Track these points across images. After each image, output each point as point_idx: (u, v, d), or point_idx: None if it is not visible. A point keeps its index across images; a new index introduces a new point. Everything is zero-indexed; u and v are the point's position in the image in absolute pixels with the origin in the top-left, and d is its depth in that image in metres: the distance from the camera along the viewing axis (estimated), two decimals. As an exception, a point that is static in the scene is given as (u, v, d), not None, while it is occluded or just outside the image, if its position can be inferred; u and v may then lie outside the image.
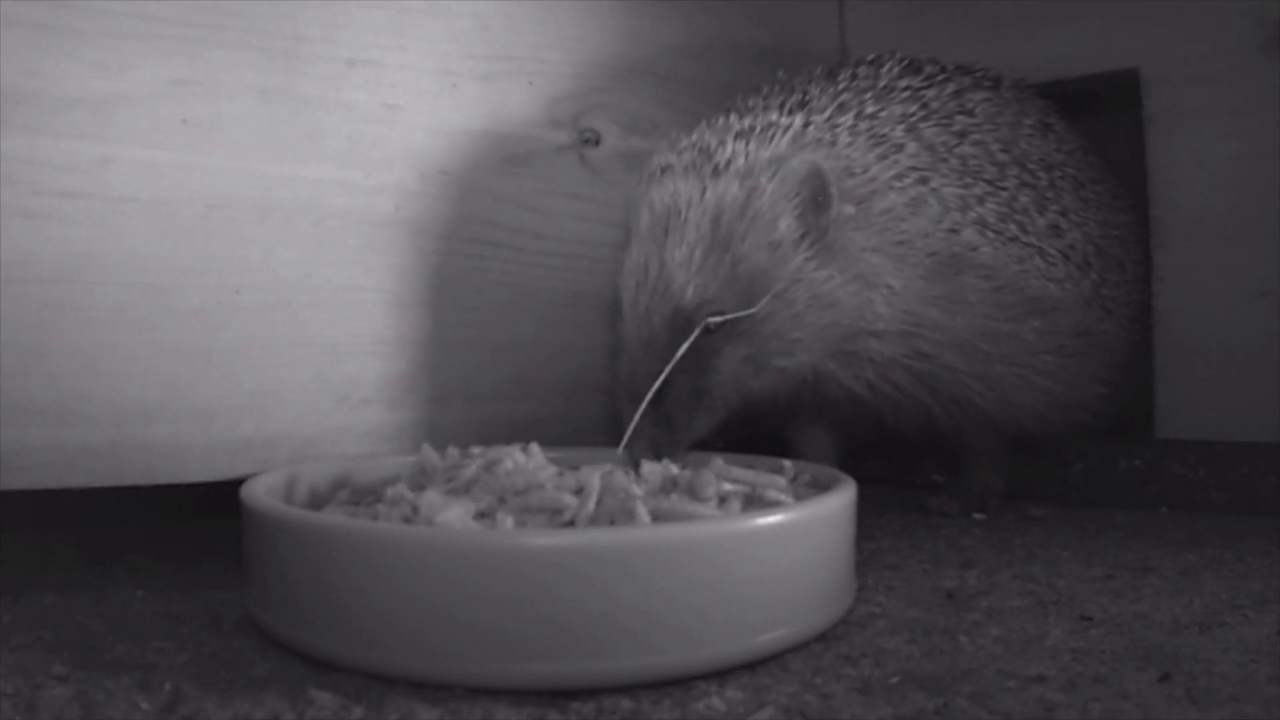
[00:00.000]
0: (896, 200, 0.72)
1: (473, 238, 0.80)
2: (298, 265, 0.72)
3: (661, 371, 0.67)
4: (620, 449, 0.67)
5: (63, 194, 0.64)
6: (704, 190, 0.70)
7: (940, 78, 0.80)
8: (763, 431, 0.82)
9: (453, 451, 0.63)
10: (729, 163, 0.71)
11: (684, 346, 0.67)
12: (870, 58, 0.81)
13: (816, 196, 0.70)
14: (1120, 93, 0.92)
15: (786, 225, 0.70)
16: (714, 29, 0.94)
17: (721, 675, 0.48)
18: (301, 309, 0.72)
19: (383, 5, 0.75)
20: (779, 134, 0.73)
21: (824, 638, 0.53)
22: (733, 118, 0.75)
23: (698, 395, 0.69)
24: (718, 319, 0.68)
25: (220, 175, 0.69)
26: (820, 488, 0.61)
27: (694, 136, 0.75)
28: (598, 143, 0.86)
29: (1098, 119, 0.97)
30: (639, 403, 0.67)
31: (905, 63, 0.81)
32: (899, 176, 0.73)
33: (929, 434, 0.81)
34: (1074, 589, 0.63)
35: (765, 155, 0.71)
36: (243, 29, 0.69)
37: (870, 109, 0.76)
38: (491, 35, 0.81)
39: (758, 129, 0.73)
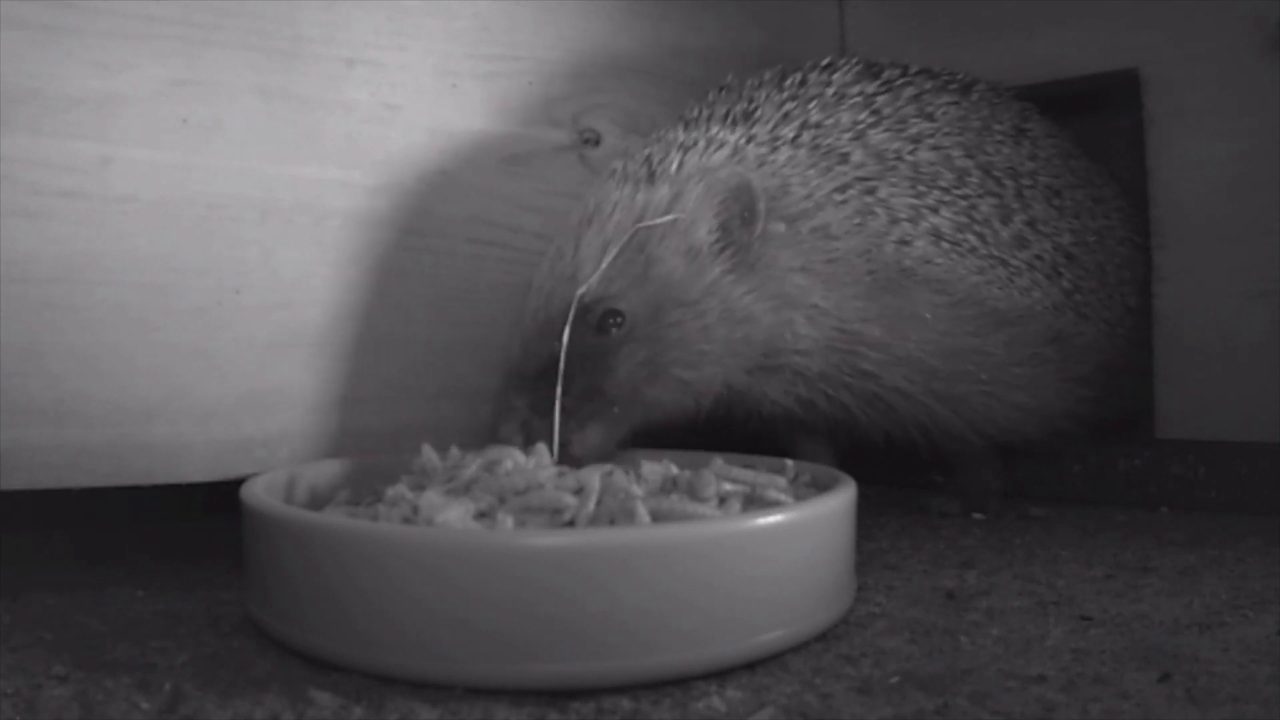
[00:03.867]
0: (834, 216, 0.71)
1: (472, 238, 0.80)
2: (298, 265, 0.72)
3: (546, 356, 0.66)
4: (494, 429, 0.66)
5: (63, 194, 0.64)
6: (631, 194, 0.69)
7: (900, 81, 0.78)
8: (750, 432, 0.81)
9: (453, 452, 0.63)
10: (663, 171, 0.70)
11: (567, 330, 0.65)
12: (825, 62, 0.79)
13: (743, 212, 0.68)
14: (1120, 93, 0.92)
15: (706, 234, 0.68)
16: (715, 29, 0.94)
17: (721, 675, 0.48)
18: (301, 309, 0.72)
19: (383, 5, 0.75)
20: (718, 148, 0.72)
21: (824, 638, 0.53)
22: (679, 130, 0.75)
23: (590, 393, 0.66)
24: (618, 317, 0.66)
25: (220, 175, 0.69)
26: (820, 488, 0.61)
27: (643, 149, 0.74)
28: (598, 143, 0.86)
29: (1098, 119, 0.97)
30: (520, 381, 0.66)
31: (861, 66, 0.79)
32: (840, 189, 0.71)
33: (917, 442, 0.80)
34: (1074, 589, 0.63)
35: (694, 164, 0.70)
36: (242, 29, 0.69)
37: (815, 118, 0.74)
38: (491, 35, 0.81)
39: (700, 142, 0.72)
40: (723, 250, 0.69)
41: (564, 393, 0.65)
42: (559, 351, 0.65)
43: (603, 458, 0.65)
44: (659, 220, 0.68)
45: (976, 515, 0.86)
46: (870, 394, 0.73)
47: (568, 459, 0.64)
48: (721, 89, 0.79)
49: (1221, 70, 0.86)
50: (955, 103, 0.79)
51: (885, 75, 0.79)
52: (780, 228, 0.69)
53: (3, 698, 0.45)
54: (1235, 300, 0.86)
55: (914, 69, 0.81)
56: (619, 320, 0.67)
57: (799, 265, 0.70)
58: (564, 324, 0.66)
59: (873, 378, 0.73)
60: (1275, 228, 0.84)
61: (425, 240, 0.77)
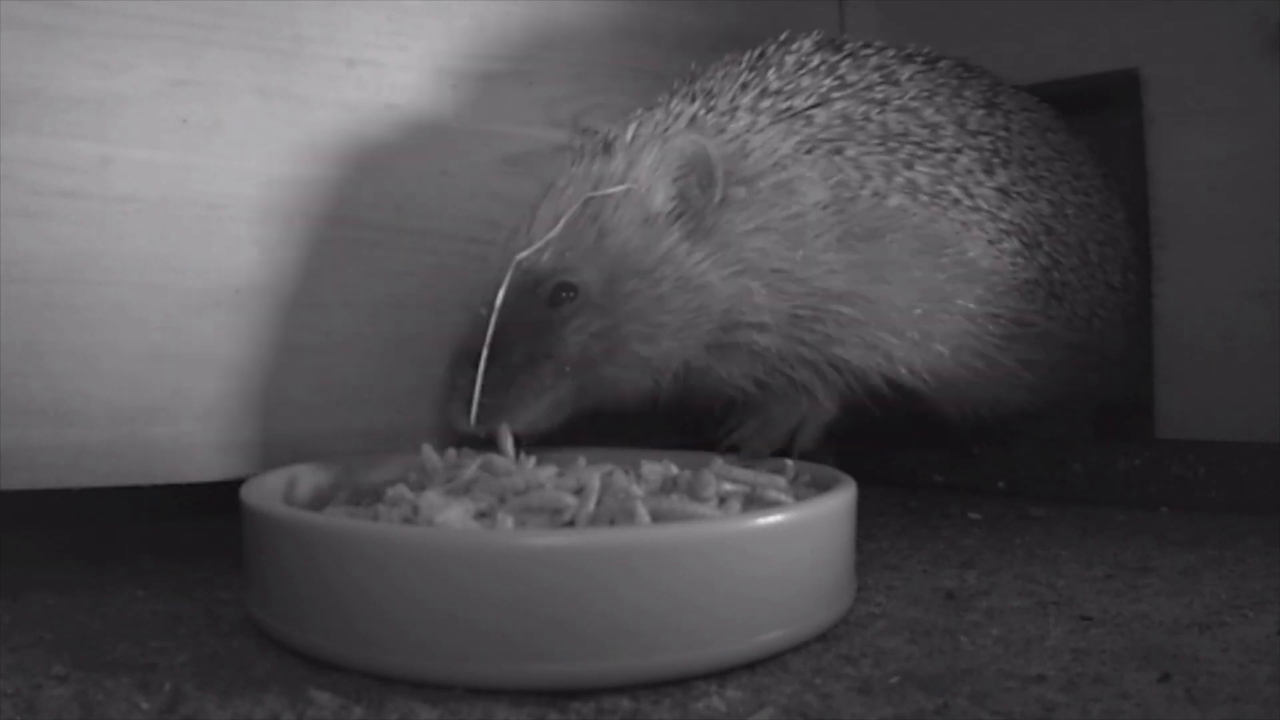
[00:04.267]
0: (798, 172, 0.69)
1: (472, 237, 0.80)
2: (298, 265, 0.72)
3: (490, 330, 0.64)
4: (441, 409, 0.65)
5: (63, 194, 0.64)
6: (590, 166, 0.68)
7: (863, 53, 0.77)
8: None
9: (452, 452, 0.63)
10: (616, 142, 0.69)
11: (501, 292, 0.64)
12: (783, 37, 0.78)
13: (701, 179, 0.67)
14: (1120, 93, 0.92)
15: (661, 202, 0.67)
16: (715, 28, 0.94)
17: (721, 675, 0.48)
18: (301, 309, 0.72)
19: (383, 5, 0.75)
20: (669, 117, 0.71)
21: (824, 638, 0.53)
22: (641, 111, 0.74)
23: (532, 362, 0.65)
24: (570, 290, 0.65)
25: (220, 175, 0.69)
26: (820, 488, 0.61)
27: (606, 129, 0.73)
28: (598, 143, 0.86)
29: (1098, 119, 0.97)
30: (465, 358, 0.65)
31: (821, 38, 0.78)
32: (805, 148, 0.70)
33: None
34: (1074, 589, 0.63)
35: (647, 133, 0.69)
36: (242, 29, 0.70)
37: (775, 85, 0.73)
38: (491, 35, 0.81)
39: (657, 115, 0.71)
40: (679, 218, 0.67)
41: (509, 363, 0.64)
42: (499, 324, 0.64)
43: (534, 430, 0.64)
44: (611, 190, 0.67)
45: (974, 515, 0.86)
46: (830, 362, 0.71)
47: (487, 423, 0.63)
48: (687, 76, 0.78)
49: (1221, 70, 0.86)
50: (922, 71, 0.78)
51: (848, 48, 0.78)
52: (740, 192, 0.68)
53: (3, 698, 0.45)
54: (1235, 300, 0.86)
55: (878, 43, 0.80)
56: (572, 294, 0.65)
57: (757, 225, 0.68)
58: (515, 298, 0.65)
59: (836, 342, 0.70)
60: (1275, 228, 0.84)
61: (426, 241, 0.77)
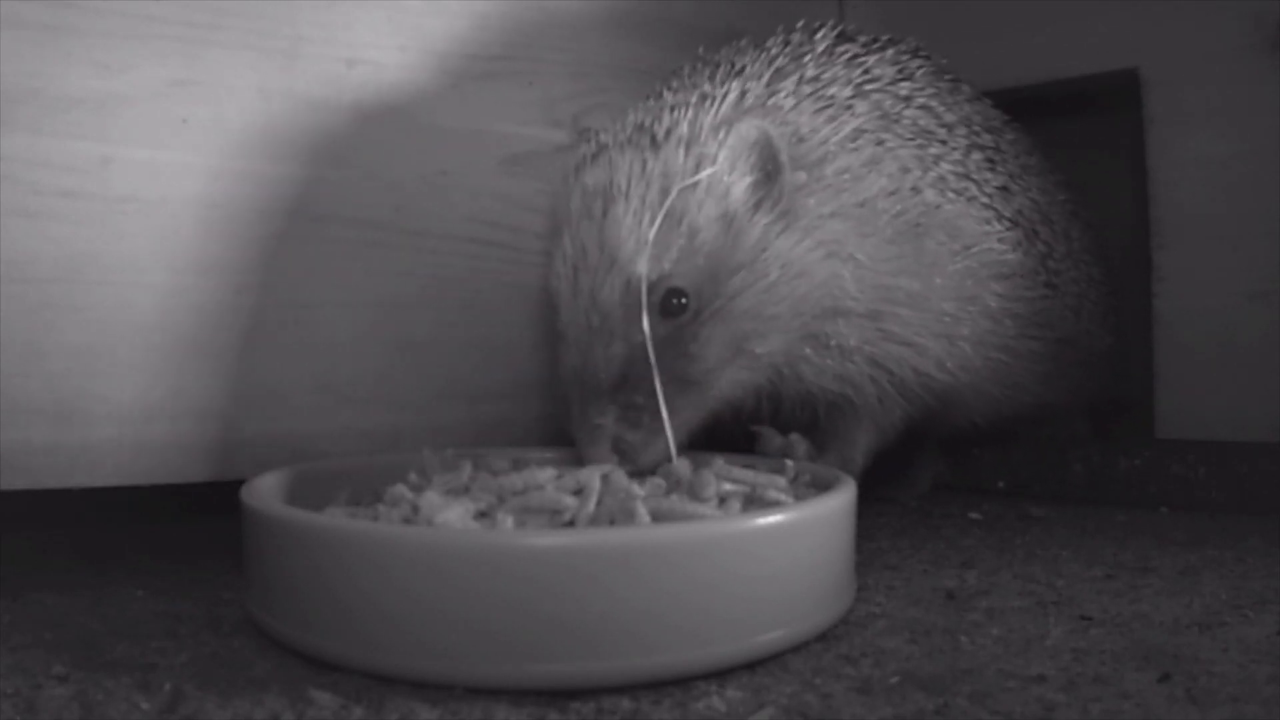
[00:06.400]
0: (851, 160, 0.68)
1: (472, 238, 0.80)
2: (298, 265, 0.72)
3: (620, 357, 0.61)
4: (582, 452, 0.60)
5: (63, 194, 0.64)
6: (645, 162, 0.63)
7: (876, 45, 0.77)
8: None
9: (451, 452, 0.63)
10: (669, 132, 0.65)
11: (646, 319, 0.60)
12: (799, 24, 0.78)
13: (765, 164, 0.65)
14: (1120, 93, 0.92)
15: (740, 194, 0.64)
16: (716, 28, 0.94)
17: (721, 675, 0.48)
18: (301, 309, 0.72)
19: (383, 5, 0.75)
20: (716, 102, 0.67)
21: (824, 638, 0.53)
22: (665, 95, 0.72)
23: (683, 386, 0.62)
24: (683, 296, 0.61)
25: (220, 175, 0.69)
26: (820, 488, 0.61)
27: (627, 117, 0.70)
28: (598, 143, 0.86)
29: (1098, 119, 0.97)
30: (598, 395, 0.61)
31: (839, 30, 0.78)
32: (852, 136, 0.69)
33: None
34: (1074, 589, 0.63)
35: (707, 121, 0.65)
36: (242, 29, 0.70)
37: (811, 72, 0.71)
38: (491, 35, 0.81)
39: (694, 100, 0.67)
40: (759, 206, 0.65)
41: (639, 389, 0.60)
42: (632, 347, 0.60)
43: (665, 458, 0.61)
44: (692, 179, 0.62)
45: (974, 515, 0.86)
46: (888, 356, 0.70)
47: (644, 462, 0.60)
48: (694, 62, 0.77)
49: (1221, 70, 0.86)
50: (923, 66, 0.79)
51: (862, 40, 0.78)
52: (802, 176, 0.66)
53: (3, 698, 0.45)
54: (1235, 300, 0.86)
55: (884, 36, 0.80)
56: (684, 299, 0.62)
57: (831, 211, 0.67)
58: (621, 318, 0.61)
59: (894, 339, 0.69)
60: (1275, 228, 0.84)
61: (426, 241, 0.77)
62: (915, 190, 0.70)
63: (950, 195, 0.72)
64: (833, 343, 0.68)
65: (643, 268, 0.60)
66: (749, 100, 0.68)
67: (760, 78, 0.70)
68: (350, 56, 0.74)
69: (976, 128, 0.78)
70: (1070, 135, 0.98)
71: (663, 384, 0.61)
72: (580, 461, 0.61)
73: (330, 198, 0.73)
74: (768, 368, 0.67)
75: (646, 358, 0.60)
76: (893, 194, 0.69)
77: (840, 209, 0.67)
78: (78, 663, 0.49)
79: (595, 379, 0.61)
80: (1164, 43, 0.89)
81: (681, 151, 0.64)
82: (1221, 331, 0.87)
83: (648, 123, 0.66)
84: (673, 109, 0.67)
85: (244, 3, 0.70)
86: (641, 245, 0.61)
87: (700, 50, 0.79)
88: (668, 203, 0.62)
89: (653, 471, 0.60)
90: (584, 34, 0.86)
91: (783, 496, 0.58)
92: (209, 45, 0.68)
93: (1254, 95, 0.85)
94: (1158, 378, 0.90)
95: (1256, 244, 0.85)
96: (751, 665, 0.49)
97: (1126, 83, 0.91)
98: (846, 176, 0.68)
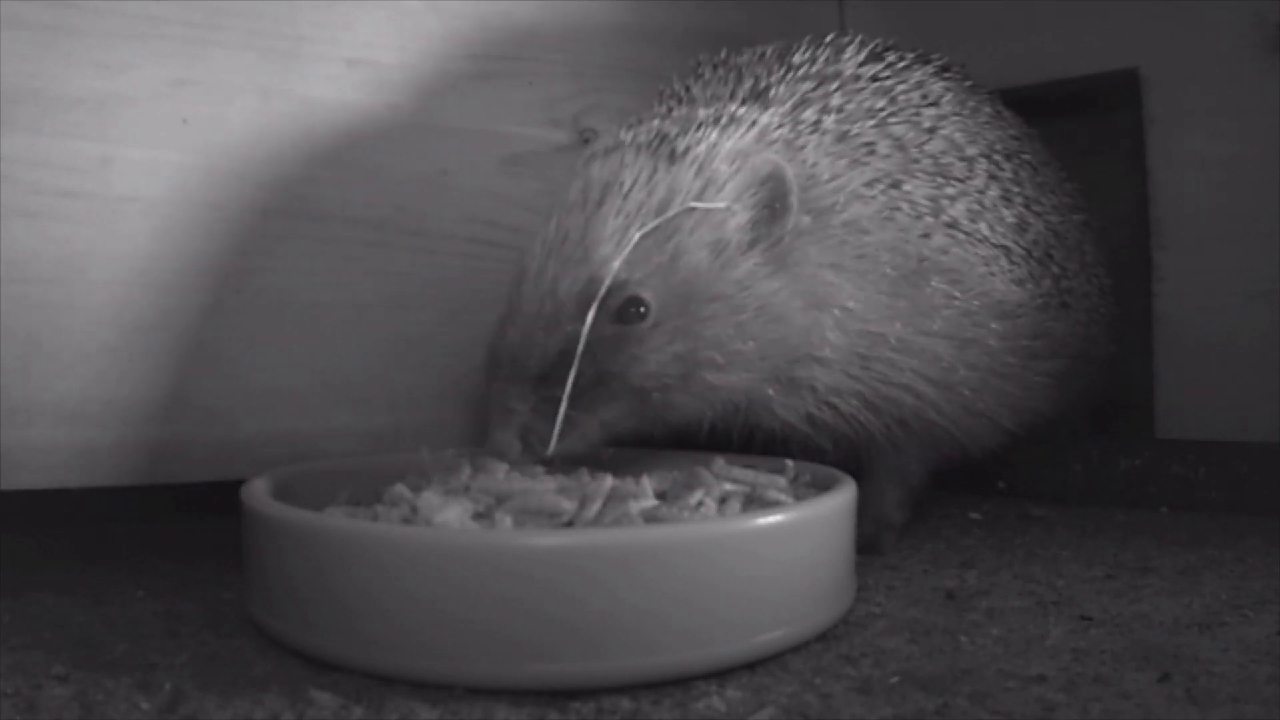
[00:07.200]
0: (863, 211, 0.67)
1: (472, 238, 0.80)
2: (298, 265, 0.72)
3: (557, 348, 0.59)
4: (489, 435, 0.60)
5: (63, 194, 0.64)
6: (655, 171, 0.63)
7: (901, 66, 0.76)
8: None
9: (448, 453, 0.63)
10: (687, 150, 0.63)
11: (590, 315, 0.59)
12: (828, 38, 0.76)
13: (774, 202, 0.63)
14: (1120, 93, 0.92)
15: (737, 226, 0.63)
16: (716, 28, 0.95)
17: (721, 675, 0.48)
18: (302, 309, 0.72)
19: (383, 5, 0.75)
20: (742, 128, 0.65)
21: (824, 638, 0.53)
22: (698, 110, 0.69)
23: (604, 382, 0.60)
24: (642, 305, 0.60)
25: (220, 175, 0.69)
26: (820, 488, 0.61)
27: (652, 121, 0.68)
28: (598, 143, 0.86)
29: (1098, 119, 0.97)
30: (520, 378, 0.60)
31: (865, 48, 0.76)
32: (869, 184, 0.68)
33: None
34: (1074, 589, 0.63)
35: (728, 147, 0.64)
36: (243, 29, 0.70)
37: (836, 102, 0.69)
38: (491, 35, 0.81)
39: (723, 120, 0.66)
40: (753, 243, 0.63)
41: (563, 384, 0.59)
42: (571, 341, 0.59)
43: (576, 455, 0.61)
44: (693, 204, 0.62)
45: (974, 515, 0.86)
46: (871, 397, 0.69)
47: (539, 454, 0.59)
48: (714, 65, 0.75)
49: (1221, 70, 0.86)
50: (949, 88, 0.77)
51: (888, 59, 0.76)
52: (806, 220, 0.65)
53: (3, 698, 0.45)
54: (1235, 300, 0.86)
55: (911, 52, 0.78)
56: (644, 310, 0.61)
57: (830, 262, 0.65)
58: (573, 311, 0.60)
59: (884, 380, 0.68)
60: (1275, 228, 0.84)
61: (425, 241, 0.77)
62: (925, 235, 0.69)
63: (960, 237, 0.71)
64: (808, 385, 0.67)
65: (610, 271, 0.60)
66: (775, 133, 0.67)
67: (785, 103, 0.69)
68: (350, 56, 0.74)
69: (997, 157, 0.76)
70: (1070, 135, 0.98)
71: (593, 382, 0.60)
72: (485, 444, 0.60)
73: (330, 198, 0.73)
74: (724, 402, 0.65)
75: (582, 357, 0.60)
76: (895, 248, 0.68)
77: (839, 261, 0.66)
78: (78, 663, 0.49)
79: (525, 363, 0.60)
80: (1164, 43, 0.89)
81: (693, 172, 0.63)
82: (1221, 331, 0.87)
83: (672, 134, 0.65)
84: (699, 126, 0.66)
85: (244, 3, 0.70)
86: (619, 249, 0.60)
87: (702, 55, 0.78)
88: (661, 219, 0.61)
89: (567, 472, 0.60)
90: (584, 34, 0.86)
91: (783, 496, 0.58)
92: (209, 45, 0.68)
93: (1254, 95, 0.85)
94: (1158, 378, 0.90)
95: (1256, 244, 0.85)
96: (751, 665, 0.49)
97: (1126, 83, 0.91)
98: (853, 229, 0.66)
